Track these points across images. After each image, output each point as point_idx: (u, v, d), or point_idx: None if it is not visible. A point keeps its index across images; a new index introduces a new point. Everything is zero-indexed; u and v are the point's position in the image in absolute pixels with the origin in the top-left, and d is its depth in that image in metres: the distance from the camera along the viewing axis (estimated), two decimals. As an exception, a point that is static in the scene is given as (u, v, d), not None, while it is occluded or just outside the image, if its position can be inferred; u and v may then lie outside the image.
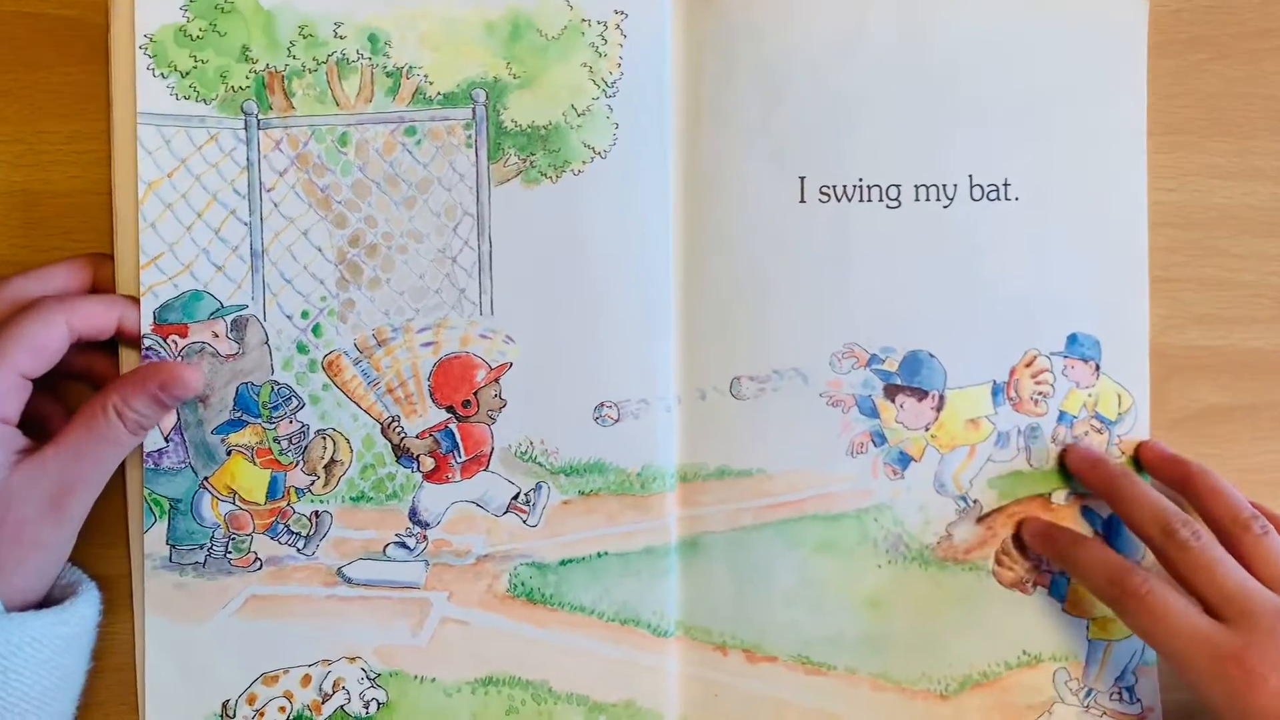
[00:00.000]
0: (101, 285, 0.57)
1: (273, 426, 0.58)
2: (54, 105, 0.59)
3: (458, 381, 0.59)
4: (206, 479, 0.57)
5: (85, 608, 0.54)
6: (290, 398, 0.58)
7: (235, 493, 0.58)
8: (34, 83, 0.58)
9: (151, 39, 0.56)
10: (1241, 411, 0.65)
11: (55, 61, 0.58)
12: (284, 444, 0.58)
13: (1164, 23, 0.64)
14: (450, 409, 0.59)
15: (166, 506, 0.57)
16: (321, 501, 0.58)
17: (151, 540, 0.57)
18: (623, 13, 0.59)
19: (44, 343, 0.53)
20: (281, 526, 0.58)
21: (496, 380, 0.59)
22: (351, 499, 0.58)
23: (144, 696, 0.57)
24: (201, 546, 0.57)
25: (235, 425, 0.57)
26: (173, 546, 0.57)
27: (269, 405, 0.58)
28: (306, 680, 0.58)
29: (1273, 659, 0.52)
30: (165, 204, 0.57)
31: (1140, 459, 0.63)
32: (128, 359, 0.57)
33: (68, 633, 0.53)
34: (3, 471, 0.52)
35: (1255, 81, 0.65)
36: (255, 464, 0.58)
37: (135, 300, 0.56)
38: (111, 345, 0.57)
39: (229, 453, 0.57)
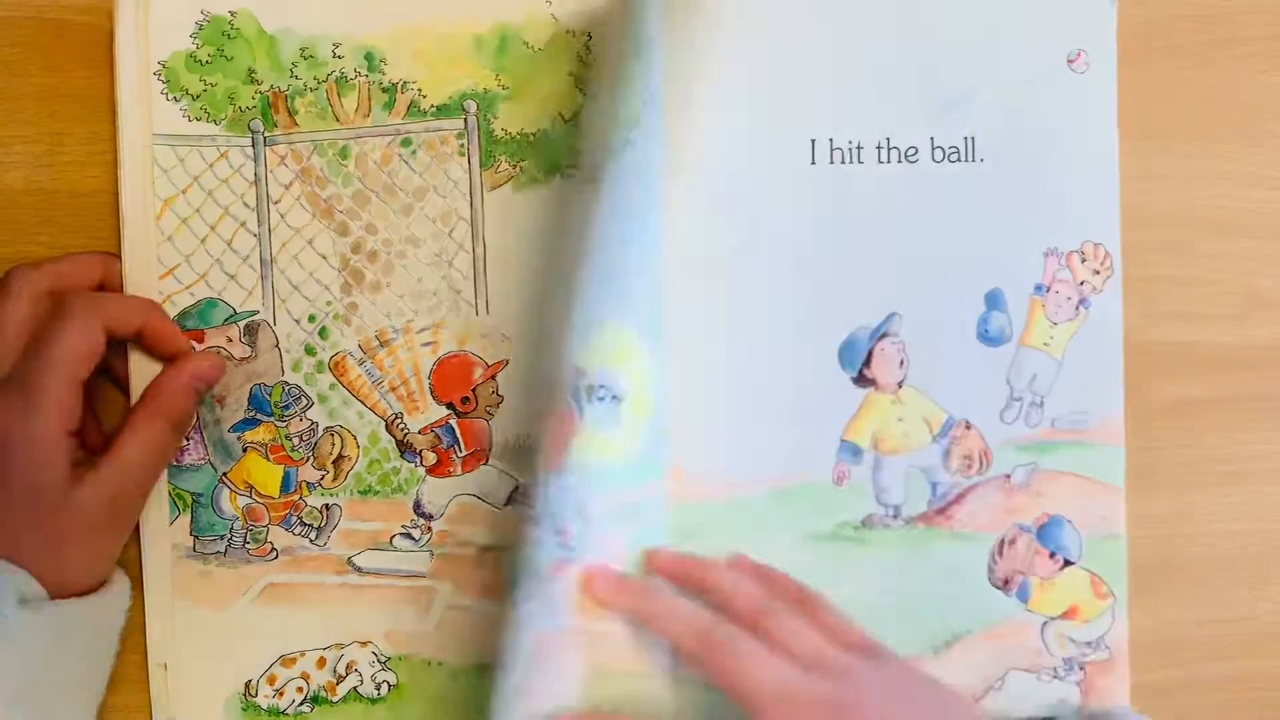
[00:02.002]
0: (109, 284, 0.59)
1: (284, 424, 0.60)
2: (73, 108, 0.60)
3: (456, 379, 0.61)
4: (225, 474, 0.60)
5: (119, 596, 0.57)
6: (300, 397, 0.60)
7: (252, 487, 0.60)
8: (54, 86, 0.60)
9: (164, 65, 0.59)
10: (1212, 405, 0.67)
11: (75, 65, 0.60)
12: (295, 441, 0.61)
13: (1136, 31, 0.65)
14: (450, 405, 0.62)
15: (189, 500, 0.60)
16: (331, 495, 0.61)
17: (176, 532, 0.60)
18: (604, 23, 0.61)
19: (91, 350, 0.54)
20: (295, 518, 0.61)
21: (493, 377, 0.61)
22: (359, 492, 0.61)
23: (166, 678, 0.60)
24: (222, 537, 0.60)
25: (250, 424, 0.60)
26: (196, 538, 0.60)
27: (280, 404, 0.60)
28: (322, 663, 0.61)
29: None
30: (181, 218, 0.59)
31: (652, 568, 0.60)
32: (137, 363, 0.59)
33: (105, 619, 0.55)
34: (66, 484, 0.53)
35: (1223, 87, 0.67)
36: (269, 460, 0.61)
37: (158, 305, 0.59)
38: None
39: (245, 450, 0.60)
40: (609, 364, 0.59)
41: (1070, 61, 0.64)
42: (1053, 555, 0.65)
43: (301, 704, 0.61)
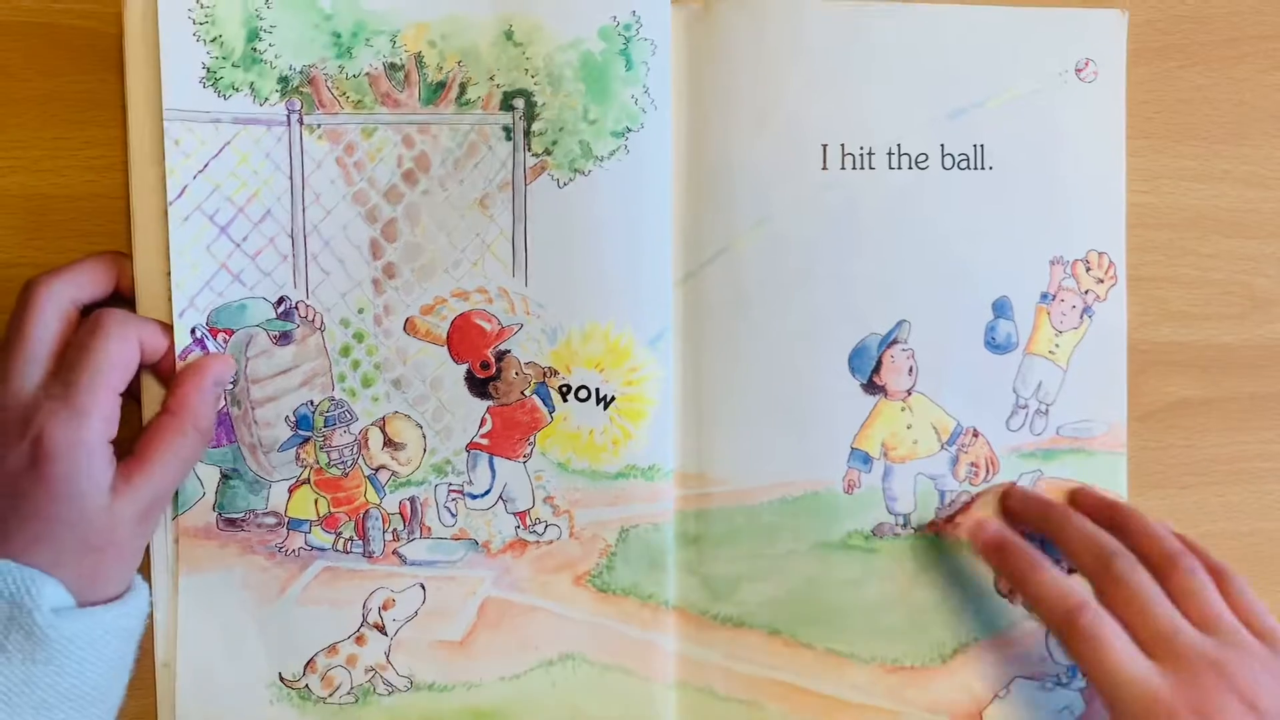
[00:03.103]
0: (124, 283, 0.58)
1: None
2: (69, 112, 0.59)
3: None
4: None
5: (142, 600, 0.56)
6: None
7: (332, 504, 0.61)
8: (50, 90, 0.59)
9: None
10: (1212, 404, 0.68)
11: (70, 70, 0.59)
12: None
13: (1137, 32, 0.65)
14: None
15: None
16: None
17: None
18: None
19: (129, 360, 0.55)
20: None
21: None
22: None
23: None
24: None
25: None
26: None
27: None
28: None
29: (1195, 704, 0.53)
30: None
31: (1073, 500, 0.64)
32: (149, 387, 0.59)
33: (129, 625, 0.55)
34: (108, 496, 0.54)
35: (1223, 88, 0.67)
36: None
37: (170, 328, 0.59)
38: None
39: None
40: (600, 366, 0.61)
41: (1079, 71, 0.64)
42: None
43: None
